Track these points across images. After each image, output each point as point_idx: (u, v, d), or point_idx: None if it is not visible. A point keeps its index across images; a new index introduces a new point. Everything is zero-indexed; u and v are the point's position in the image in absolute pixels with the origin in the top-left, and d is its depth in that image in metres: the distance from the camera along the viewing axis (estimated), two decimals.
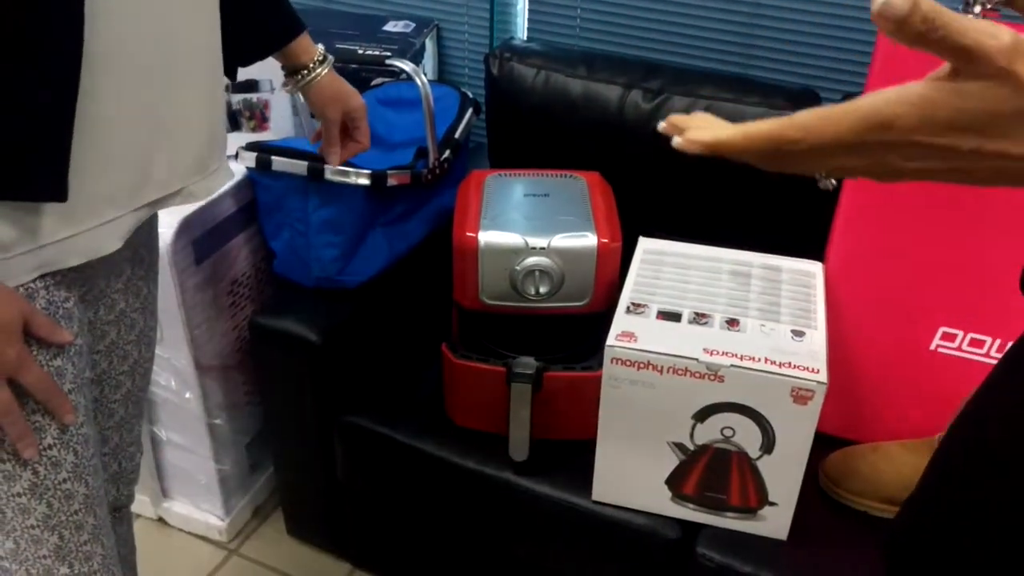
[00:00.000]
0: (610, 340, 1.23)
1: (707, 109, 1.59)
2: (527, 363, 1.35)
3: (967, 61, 0.43)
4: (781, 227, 1.61)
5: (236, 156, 1.52)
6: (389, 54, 1.77)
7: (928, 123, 0.46)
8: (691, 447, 1.27)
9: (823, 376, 1.17)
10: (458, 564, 1.67)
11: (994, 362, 1.33)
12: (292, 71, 1.18)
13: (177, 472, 1.83)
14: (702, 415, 1.23)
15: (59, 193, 0.79)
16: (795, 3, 1.65)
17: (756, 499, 1.29)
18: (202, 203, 1.51)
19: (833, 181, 0.54)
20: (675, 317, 1.27)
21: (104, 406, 1.07)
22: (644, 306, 1.29)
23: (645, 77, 1.67)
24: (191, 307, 1.56)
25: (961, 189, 1.26)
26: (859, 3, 1.60)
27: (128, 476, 1.18)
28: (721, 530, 1.32)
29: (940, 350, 1.37)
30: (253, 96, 1.66)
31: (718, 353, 1.20)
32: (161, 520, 1.92)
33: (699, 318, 1.27)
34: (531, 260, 1.34)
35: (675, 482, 1.31)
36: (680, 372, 1.21)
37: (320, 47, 1.19)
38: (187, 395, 1.66)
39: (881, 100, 0.46)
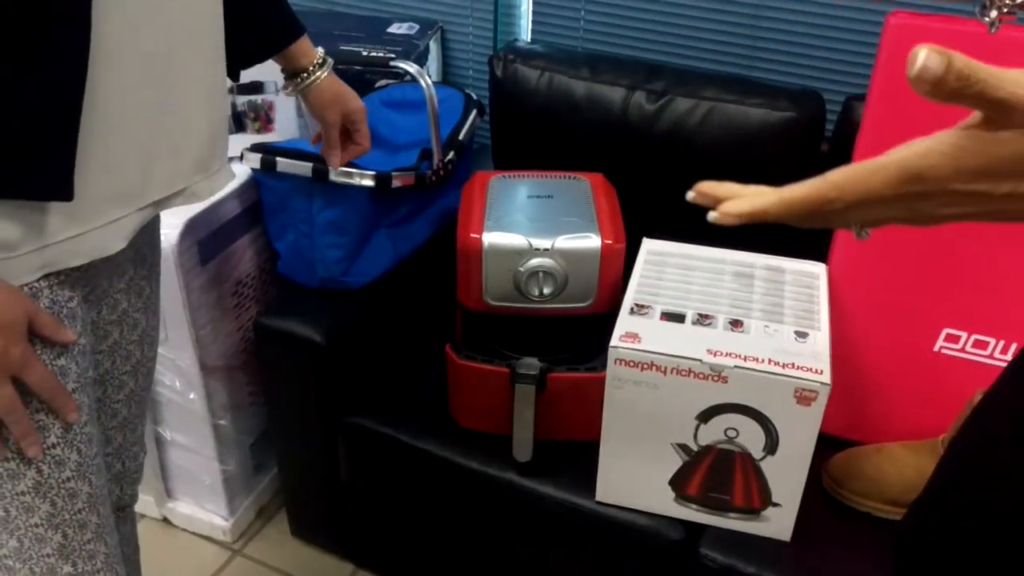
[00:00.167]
0: (614, 341, 1.23)
1: (710, 111, 1.61)
2: (531, 364, 1.35)
3: (1002, 112, 0.44)
4: (784, 228, 1.60)
5: (241, 157, 1.53)
6: (393, 56, 1.77)
7: (962, 171, 0.46)
8: (695, 448, 1.27)
9: (826, 377, 1.17)
10: (461, 565, 1.68)
11: (998, 363, 1.34)
12: (292, 74, 1.19)
13: (181, 472, 1.83)
14: (706, 416, 1.23)
15: (65, 192, 0.79)
16: (798, 4, 1.65)
17: (759, 500, 1.29)
18: (207, 204, 1.51)
19: (869, 231, 0.54)
20: (679, 318, 1.27)
21: (107, 406, 1.08)
22: (648, 307, 1.30)
23: (648, 79, 1.67)
24: (196, 308, 1.56)
25: None
26: (861, 4, 1.60)
27: (132, 476, 1.18)
28: (724, 531, 1.32)
29: (943, 351, 1.37)
30: (258, 98, 1.66)
31: (722, 354, 1.20)
32: (165, 520, 1.92)
33: (703, 319, 1.27)
34: (535, 261, 1.34)
35: (678, 483, 1.31)
36: (684, 373, 1.21)
37: (320, 50, 1.19)
38: (192, 395, 1.66)
39: (913, 153, 0.47)
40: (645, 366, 1.22)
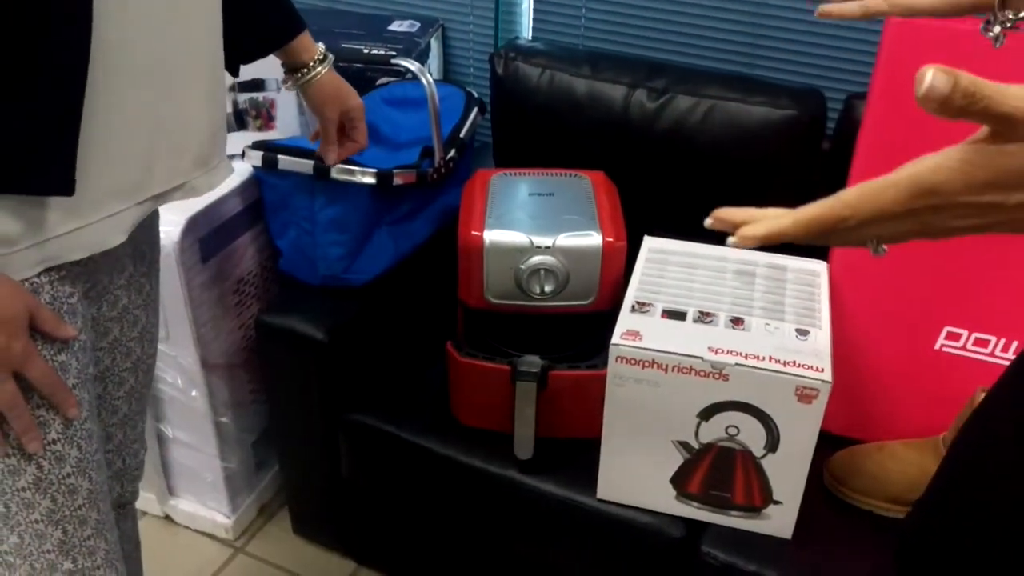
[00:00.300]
0: (615, 339, 1.23)
1: (712, 109, 1.61)
2: (532, 362, 1.35)
3: (1007, 126, 0.46)
4: None
5: (243, 155, 1.53)
6: (394, 54, 1.77)
7: (972, 185, 0.48)
8: (696, 446, 1.27)
9: (827, 375, 1.17)
10: (463, 562, 1.68)
11: (999, 361, 1.34)
12: (292, 69, 1.19)
13: (183, 470, 1.84)
14: (707, 414, 1.23)
15: (66, 187, 0.79)
16: (799, 2, 1.65)
17: (760, 498, 1.29)
18: (208, 202, 1.52)
19: (885, 248, 0.55)
20: (680, 316, 1.27)
21: (108, 403, 1.08)
22: (649, 305, 1.30)
23: (649, 76, 1.67)
24: (197, 305, 1.56)
25: None
26: None
27: (132, 473, 1.18)
28: (725, 529, 1.32)
29: (944, 349, 1.37)
30: (259, 95, 1.66)
31: (723, 352, 1.20)
32: (167, 518, 1.93)
33: (704, 317, 1.27)
34: (536, 259, 1.34)
35: (680, 481, 1.31)
36: (685, 371, 1.21)
37: (321, 46, 1.19)
38: (193, 393, 1.67)
39: (923, 168, 0.48)
40: (646, 364, 1.22)
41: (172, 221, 1.47)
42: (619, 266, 1.38)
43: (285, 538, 1.89)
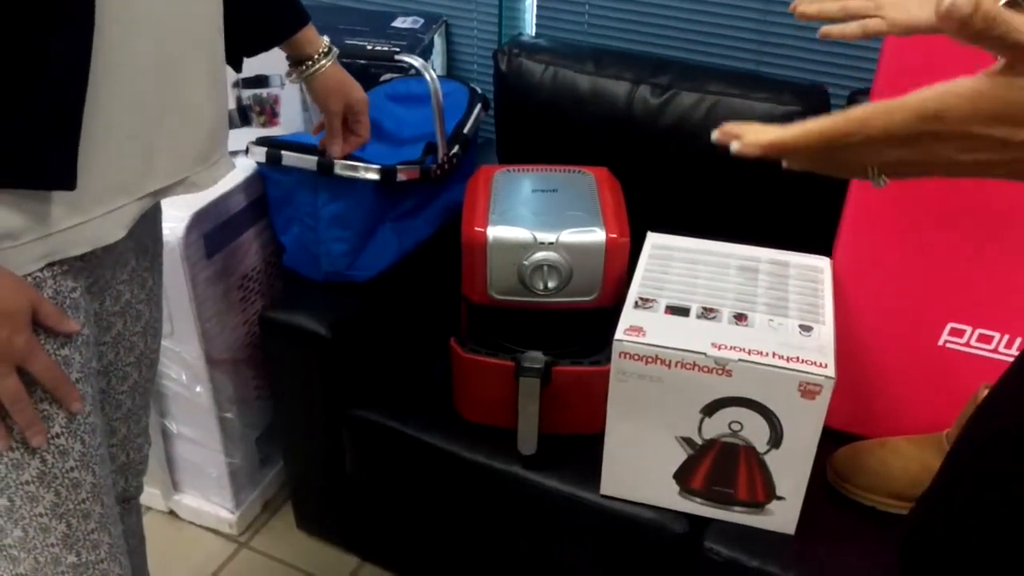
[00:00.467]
0: (618, 334, 1.23)
1: (715, 105, 1.61)
2: (535, 357, 1.35)
3: (1022, 57, 0.46)
4: (789, 222, 1.60)
5: (246, 151, 1.53)
6: (398, 50, 1.77)
7: (979, 114, 0.48)
8: (699, 441, 1.27)
9: (831, 371, 1.17)
10: (466, 557, 1.68)
11: (1002, 358, 1.34)
12: (296, 61, 1.19)
13: (188, 465, 1.84)
14: (710, 409, 1.23)
15: (68, 181, 0.80)
16: None
17: (764, 493, 1.29)
18: (212, 198, 1.52)
19: (886, 179, 0.55)
20: (683, 312, 1.27)
21: (111, 397, 1.08)
22: (652, 301, 1.30)
23: (653, 73, 1.67)
24: (202, 301, 1.57)
25: (969, 184, 1.26)
26: None
27: (136, 467, 1.19)
28: (729, 524, 1.32)
29: (948, 346, 1.37)
30: (263, 91, 1.67)
31: (726, 348, 1.20)
32: (172, 513, 1.93)
33: (707, 313, 1.27)
34: (539, 255, 1.34)
35: (683, 476, 1.31)
36: (688, 366, 1.21)
37: (325, 39, 1.19)
38: (198, 389, 1.67)
39: (933, 93, 0.49)
40: (649, 359, 1.22)
41: (177, 217, 1.47)
42: (622, 262, 1.38)
43: (289, 533, 1.89)
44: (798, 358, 1.18)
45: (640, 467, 1.32)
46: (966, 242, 1.30)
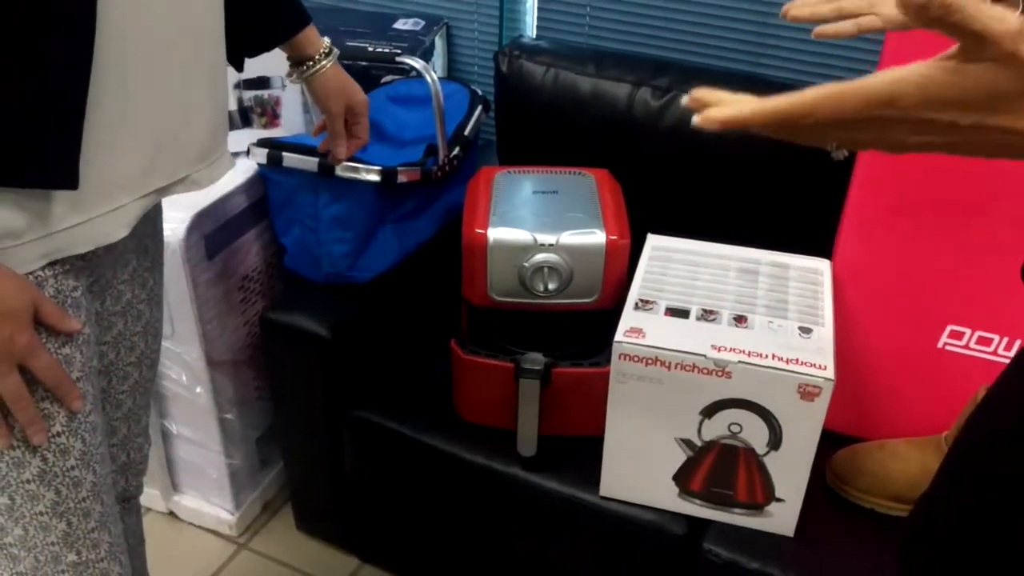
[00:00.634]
0: (618, 336, 1.23)
1: None
2: (535, 359, 1.35)
3: (976, 43, 0.47)
4: (789, 225, 1.60)
5: (248, 152, 1.53)
6: (399, 52, 1.77)
7: (928, 100, 0.49)
8: (698, 443, 1.27)
9: (830, 373, 1.17)
10: (466, 559, 1.68)
11: (1001, 360, 1.34)
12: (297, 62, 1.19)
13: (187, 466, 1.84)
14: (709, 411, 1.23)
15: (70, 181, 0.80)
16: None
17: (763, 495, 1.29)
18: (213, 199, 1.52)
19: (845, 152, 0.57)
20: (683, 314, 1.28)
21: (112, 397, 1.08)
22: (652, 303, 1.30)
23: (654, 75, 1.67)
24: (203, 302, 1.57)
25: (968, 187, 1.26)
26: None
27: (137, 467, 1.19)
28: (728, 526, 1.32)
29: (947, 348, 1.37)
30: (264, 93, 1.67)
31: (726, 349, 1.20)
32: (171, 514, 1.93)
33: (707, 315, 1.27)
34: (540, 257, 1.35)
35: (682, 478, 1.31)
36: (688, 368, 1.21)
37: (326, 40, 1.19)
38: (198, 390, 1.67)
39: (884, 79, 0.50)
40: (649, 361, 1.22)
41: (177, 218, 1.47)
42: (623, 264, 1.38)
43: (289, 535, 1.89)
44: (797, 360, 1.19)
45: (640, 469, 1.32)
46: (965, 245, 1.30)
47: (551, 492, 1.41)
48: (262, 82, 1.66)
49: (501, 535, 1.54)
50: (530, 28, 1.93)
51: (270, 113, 1.69)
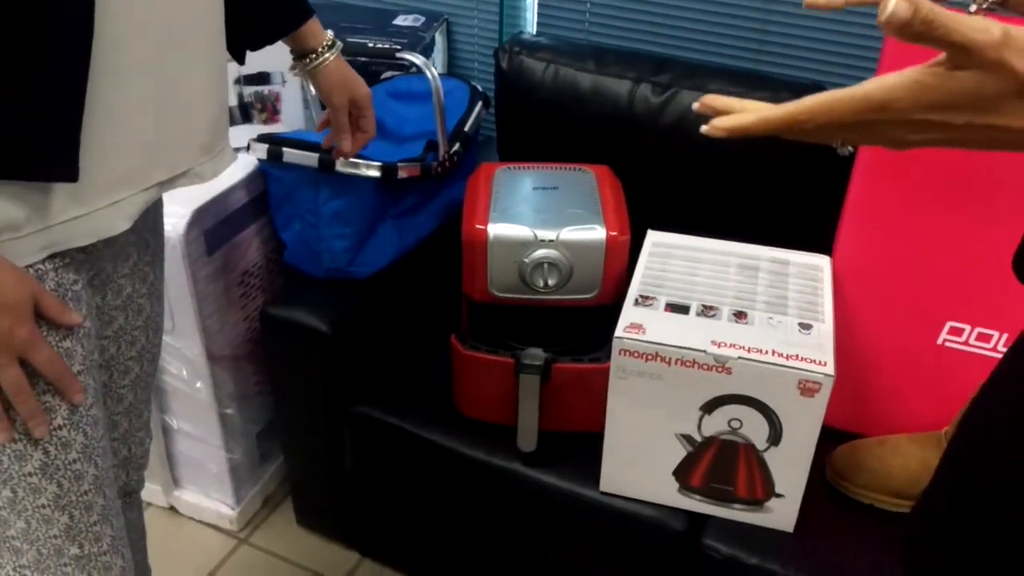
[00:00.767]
0: (618, 332, 1.23)
1: None
2: (536, 355, 1.35)
3: (961, 53, 0.51)
4: (789, 221, 1.61)
5: (248, 148, 1.53)
6: (399, 48, 1.77)
7: (920, 104, 0.54)
8: (698, 439, 1.27)
9: (830, 369, 1.17)
10: (466, 554, 1.68)
11: (1001, 357, 1.34)
12: (300, 55, 1.19)
13: (188, 461, 1.84)
14: (709, 407, 1.24)
15: (70, 173, 0.80)
16: None
17: (763, 491, 1.29)
18: (214, 194, 1.52)
19: (850, 148, 0.62)
20: (683, 309, 1.28)
21: (113, 391, 1.09)
22: (652, 298, 1.30)
23: (654, 71, 1.67)
24: (203, 297, 1.57)
25: (969, 184, 1.26)
26: None
27: (138, 461, 1.19)
28: (728, 522, 1.33)
29: (947, 344, 1.37)
30: (264, 88, 1.67)
31: (726, 345, 1.20)
32: (172, 509, 1.93)
33: (707, 310, 1.27)
34: (540, 252, 1.35)
35: (682, 474, 1.31)
36: (688, 364, 1.21)
37: (329, 33, 1.19)
38: (198, 384, 1.67)
39: (878, 85, 0.55)
40: (649, 357, 1.22)
41: (178, 213, 1.47)
42: (623, 260, 1.38)
43: (289, 529, 1.89)
44: (797, 356, 1.19)
45: (640, 464, 1.32)
46: (965, 241, 1.30)
47: (551, 488, 1.41)
48: (262, 78, 1.66)
49: (501, 531, 1.54)
50: (530, 24, 1.93)
51: (270, 109, 1.69)
